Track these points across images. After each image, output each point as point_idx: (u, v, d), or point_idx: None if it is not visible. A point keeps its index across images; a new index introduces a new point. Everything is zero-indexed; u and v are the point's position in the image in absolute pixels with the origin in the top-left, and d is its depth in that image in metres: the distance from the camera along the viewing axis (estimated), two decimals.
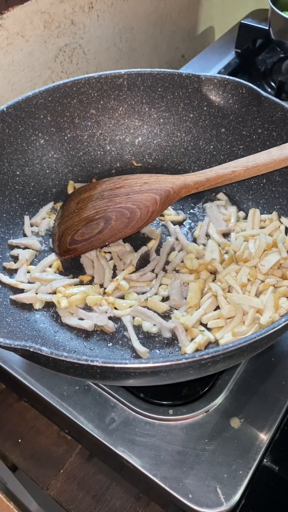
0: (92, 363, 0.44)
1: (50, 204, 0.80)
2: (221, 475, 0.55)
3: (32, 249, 0.74)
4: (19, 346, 0.46)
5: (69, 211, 0.74)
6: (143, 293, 0.69)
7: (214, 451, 0.57)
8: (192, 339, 0.63)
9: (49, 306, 0.68)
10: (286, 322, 0.47)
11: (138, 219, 0.67)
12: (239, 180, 0.66)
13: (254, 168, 0.64)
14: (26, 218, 0.77)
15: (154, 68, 0.95)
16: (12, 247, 0.74)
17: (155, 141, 0.86)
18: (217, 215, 0.78)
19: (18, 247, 0.74)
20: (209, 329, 0.64)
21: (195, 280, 0.68)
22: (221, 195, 0.81)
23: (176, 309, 0.67)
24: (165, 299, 0.68)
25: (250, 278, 0.66)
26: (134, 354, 0.63)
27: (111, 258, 0.73)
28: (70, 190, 0.83)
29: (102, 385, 0.62)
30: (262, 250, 0.68)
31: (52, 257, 0.73)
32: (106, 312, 0.66)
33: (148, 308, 0.66)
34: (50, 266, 0.72)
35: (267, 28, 1.10)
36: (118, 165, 0.86)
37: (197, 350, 0.62)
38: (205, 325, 0.64)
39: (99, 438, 0.58)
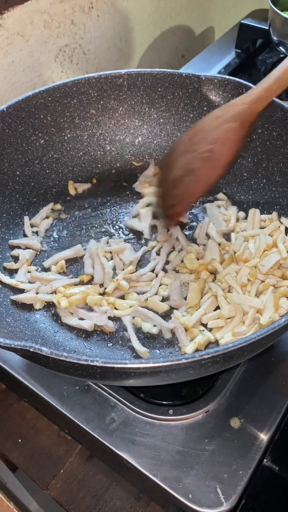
0: (92, 363, 0.44)
1: (50, 205, 0.80)
2: (221, 475, 0.55)
3: (33, 249, 0.74)
4: (19, 346, 0.46)
5: (161, 181, 0.72)
6: (143, 293, 0.69)
7: (214, 451, 0.57)
8: (192, 339, 0.63)
9: (49, 306, 0.68)
10: (286, 322, 0.47)
11: (225, 155, 0.64)
12: None
13: None
14: (26, 218, 0.77)
15: (154, 68, 0.95)
16: (12, 247, 0.74)
17: (155, 141, 0.86)
18: (217, 215, 0.78)
19: (18, 247, 0.74)
20: (209, 329, 0.64)
21: (195, 280, 0.68)
22: (221, 195, 0.81)
23: (176, 309, 0.67)
24: (165, 299, 0.68)
25: (250, 278, 0.66)
26: (134, 354, 0.63)
27: (111, 258, 0.73)
28: (70, 190, 0.83)
29: (102, 385, 0.62)
30: (262, 250, 0.68)
31: (60, 255, 0.73)
32: (106, 312, 0.66)
33: (148, 309, 0.66)
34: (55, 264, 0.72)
35: (267, 28, 1.10)
36: (118, 165, 0.86)
37: (197, 350, 0.62)
38: (205, 325, 0.64)
39: (99, 438, 0.58)
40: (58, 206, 0.81)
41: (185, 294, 0.68)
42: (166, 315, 0.66)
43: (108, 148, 0.86)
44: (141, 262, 0.73)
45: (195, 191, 0.67)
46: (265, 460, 0.58)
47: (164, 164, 0.71)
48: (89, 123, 0.83)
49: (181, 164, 0.66)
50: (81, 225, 0.79)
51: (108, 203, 0.82)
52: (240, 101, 0.63)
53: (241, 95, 0.64)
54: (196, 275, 0.69)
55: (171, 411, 0.59)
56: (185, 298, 0.67)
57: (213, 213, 0.78)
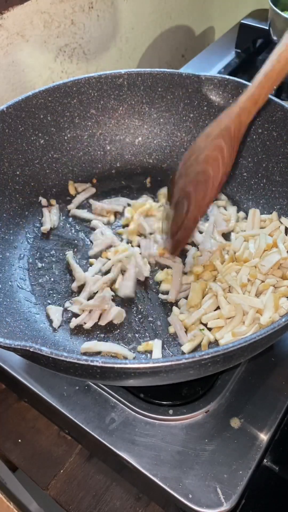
0: (92, 363, 0.44)
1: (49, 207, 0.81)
2: (221, 475, 0.55)
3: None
4: (19, 346, 0.46)
5: (167, 209, 0.69)
6: None
7: (214, 451, 0.57)
8: (191, 338, 0.63)
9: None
10: (286, 322, 0.47)
11: (214, 176, 0.62)
12: None
13: None
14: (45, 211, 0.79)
15: (154, 68, 0.95)
16: (12, 246, 0.74)
17: (155, 141, 0.86)
18: (217, 215, 0.78)
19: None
20: (209, 329, 0.64)
21: (196, 280, 0.68)
22: (221, 195, 0.81)
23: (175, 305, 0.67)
24: (165, 293, 0.69)
25: (250, 278, 0.66)
26: (135, 354, 0.63)
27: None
28: (70, 190, 0.83)
29: (102, 385, 0.62)
30: (262, 250, 0.68)
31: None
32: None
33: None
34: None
35: (267, 28, 1.10)
36: (118, 165, 0.86)
37: (196, 349, 0.62)
38: (205, 325, 0.64)
39: (99, 438, 0.58)
40: (53, 202, 0.81)
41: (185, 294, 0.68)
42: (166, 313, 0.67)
43: (108, 148, 0.86)
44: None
45: (193, 216, 0.64)
46: (265, 460, 0.58)
47: (169, 191, 0.68)
48: (89, 123, 0.83)
49: (178, 189, 0.64)
50: (82, 226, 0.79)
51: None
52: (226, 115, 0.61)
53: (230, 107, 0.62)
54: (196, 276, 0.69)
55: (171, 411, 0.59)
56: (185, 298, 0.68)
57: (213, 213, 0.78)
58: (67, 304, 0.68)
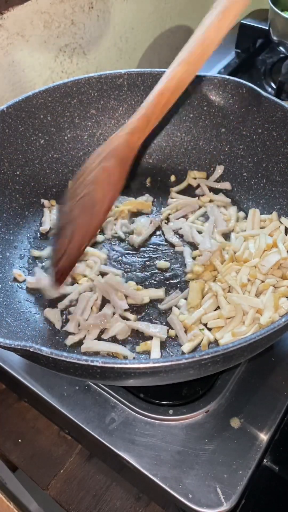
0: (92, 363, 0.44)
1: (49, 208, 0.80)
2: (221, 475, 0.55)
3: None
4: (19, 346, 0.46)
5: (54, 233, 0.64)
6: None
7: (214, 451, 0.57)
8: (191, 339, 0.63)
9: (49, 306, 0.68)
10: (286, 322, 0.47)
11: (102, 199, 0.57)
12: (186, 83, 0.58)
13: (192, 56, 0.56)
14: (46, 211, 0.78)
15: (154, 68, 0.95)
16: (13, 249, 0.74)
17: (155, 141, 0.86)
18: (217, 215, 0.78)
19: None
20: (209, 329, 0.64)
21: (195, 281, 0.68)
22: (221, 196, 0.81)
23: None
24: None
25: (250, 278, 0.66)
26: (134, 354, 0.63)
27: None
28: None
29: (102, 385, 0.62)
30: (262, 250, 0.68)
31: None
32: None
33: None
34: None
35: (267, 28, 1.10)
36: None
37: (196, 349, 0.62)
38: (205, 325, 0.64)
39: (99, 438, 0.58)
40: (53, 203, 0.81)
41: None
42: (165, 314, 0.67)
43: None
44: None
45: (77, 243, 0.58)
46: (265, 460, 0.58)
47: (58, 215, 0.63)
48: (89, 123, 0.83)
49: (63, 213, 0.59)
50: None
51: None
52: (118, 134, 0.58)
53: (121, 127, 0.59)
54: (196, 275, 0.69)
55: (171, 411, 0.59)
56: (185, 299, 0.68)
57: (213, 213, 0.78)
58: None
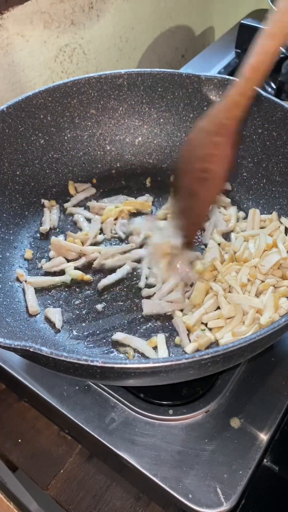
0: (92, 363, 0.44)
1: (48, 208, 0.80)
2: (221, 475, 0.55)
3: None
4: (19, 346, 0.46)
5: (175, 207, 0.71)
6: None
7: (214, 451, 0.57)
8: (194, 339, 0.63)
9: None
10: (286, 322, 0.47)
11: (219, 172, 0.62)
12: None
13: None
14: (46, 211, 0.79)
15: (154, 68, 0.95)
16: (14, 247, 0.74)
17: (155, 141, 0.86)
18: (217, 215, 0.78)
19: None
20: (209, 329, 0.64)
21: (200, 280, 0.68)
22: (221, 196, 0.81)
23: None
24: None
25: (250, 278, 0.66)
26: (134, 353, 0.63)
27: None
28: (70, 190, 0.83)
29: (102, 385, 0.62)
30: (262, 250, 0.68)
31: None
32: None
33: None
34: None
35: None
36: (118, 165, 0.86)
37: (197, 350, 0.62)
38: (205, 325, 0.64)
39: (99, 438, 0.58)
40: (53, 203, 0.81)
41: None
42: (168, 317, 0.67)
43: (108, 148, 0.86)
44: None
45: (201, 214, 0.66)
46: (265, 460, 0.58)
47: (173, 189, 0.69)
48: (89, 123, 0.83)
49: (183, 187, 0.65)
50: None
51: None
52: (218, 111, 0.61)
53: (220, 102, 0.62)
54: (199, 274, 0.69)
55: (171, 411, 0.59)
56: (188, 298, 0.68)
57: (214, 213, 0.78)
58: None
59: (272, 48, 0.59)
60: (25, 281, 0.70)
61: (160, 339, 0.63)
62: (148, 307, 0.67)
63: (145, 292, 0.69)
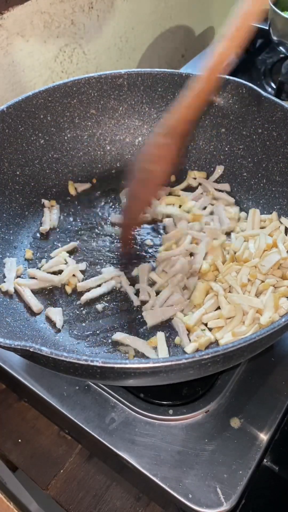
0: (92, 363, 0.44)
1: (48, 208, 0.80)
2: (221, 475, 0.55)
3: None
4: (19, 346, 0.46)
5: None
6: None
7: (214, 451, 0.57)
8: (194, 339, 0.63)
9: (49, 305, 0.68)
10: (286, 322, 0.47)
11: (157, 174, 0.64)
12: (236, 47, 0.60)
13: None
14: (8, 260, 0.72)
15: (154, 68, 0.95)
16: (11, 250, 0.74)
17: None
18: (221, 213, 0.77)
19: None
20: (209, 329, 0.64)
21: (201, 280, 0.68)
22: (224, 194, 0.81)
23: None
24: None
25: (250, 278, 0.66)
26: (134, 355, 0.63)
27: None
28: (70, 190, 0.83)
29: (102, 385, 0.62)
30: (262, 250, 0.68)
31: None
32: None
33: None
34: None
35: (267, 28, 1.10)
36: (118, 165, 0.86)
37: (197, 350, 0.62)
38: (205, 325, 0.64)
39: (99, 438, 0.58)
40: (53, 203, 0.81)
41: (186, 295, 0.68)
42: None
43: (108, 148, 0.86)
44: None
45: (136, 213, 0.69)
46: (265, 460, 0.58)
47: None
48: (89, 123, 0.83)
49: (129, 189, 0.67)
50: (82, 226, 0.79)
51: (108, 203, 0.82)
52: (172, 112, 0.61)
53: (175, 104, 0.61)
54: (202, 274, 0.69)
55: (171, 411, 0.59)
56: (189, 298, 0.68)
57: (218, 211, 0.78)
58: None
59: (227, 51, 0.59)
60: (17, 284, 0.68)
61: (160, 337, 0.63)
62: (152, 318, 0.66)
63: (144, 308, 0.67)
